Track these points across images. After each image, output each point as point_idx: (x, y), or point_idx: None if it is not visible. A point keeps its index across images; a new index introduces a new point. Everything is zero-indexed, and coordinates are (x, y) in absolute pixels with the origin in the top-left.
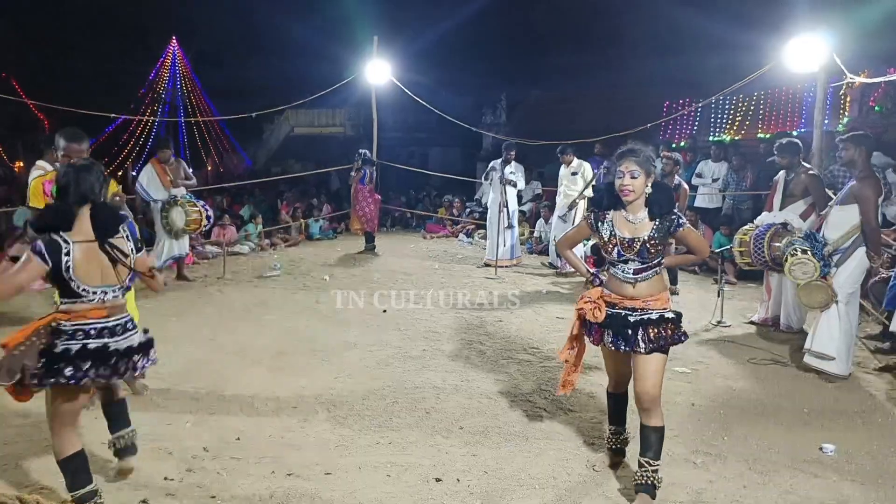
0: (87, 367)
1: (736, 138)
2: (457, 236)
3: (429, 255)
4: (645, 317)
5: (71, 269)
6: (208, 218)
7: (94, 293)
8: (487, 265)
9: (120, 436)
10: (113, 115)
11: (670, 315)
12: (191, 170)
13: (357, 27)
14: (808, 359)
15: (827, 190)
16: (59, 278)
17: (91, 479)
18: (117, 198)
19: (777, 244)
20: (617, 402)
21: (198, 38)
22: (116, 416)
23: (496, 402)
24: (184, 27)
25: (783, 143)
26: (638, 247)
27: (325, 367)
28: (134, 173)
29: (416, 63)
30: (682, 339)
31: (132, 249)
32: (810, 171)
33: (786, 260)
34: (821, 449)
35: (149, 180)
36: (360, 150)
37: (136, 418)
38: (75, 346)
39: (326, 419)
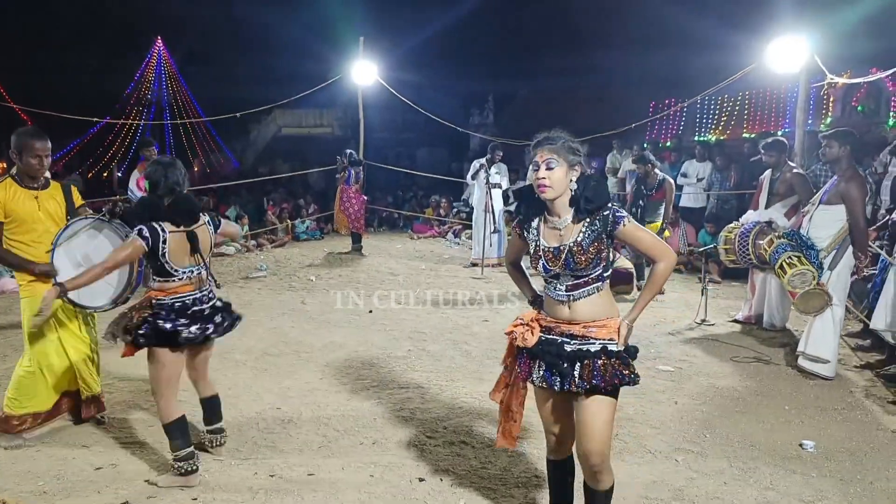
0: (182, 324)
1: (721, 138)
2: (444, 236)
3: (416, 256)
4: (585, 347)
5: (167, 254)
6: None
7: (184, 272)
8: (474, 265)
9: (214, 431)
10: (96, 119)
11: (614, 348)
12: None
13: (344, 28)
14: (802, 362)
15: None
16: (154, 259)
17: (191, 443)
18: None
19: (761, 242)
20: (558, 472)
21: (185, 37)
22: (211, 410)
23: (481, 403)
24: (170, 26)
25: (770, 141)
26: (563, 257)
27: (309, 368)
28: (119, 174)
29: (404, 63)
30: (632, 381)
31: (212, 233)
32: (795, 170)
33: (782, 269)
34: (801, 446)
35: (139, 185)
36: (346, 151)
37: (117, 420)
38: (172, 311)
39: (310, 420)
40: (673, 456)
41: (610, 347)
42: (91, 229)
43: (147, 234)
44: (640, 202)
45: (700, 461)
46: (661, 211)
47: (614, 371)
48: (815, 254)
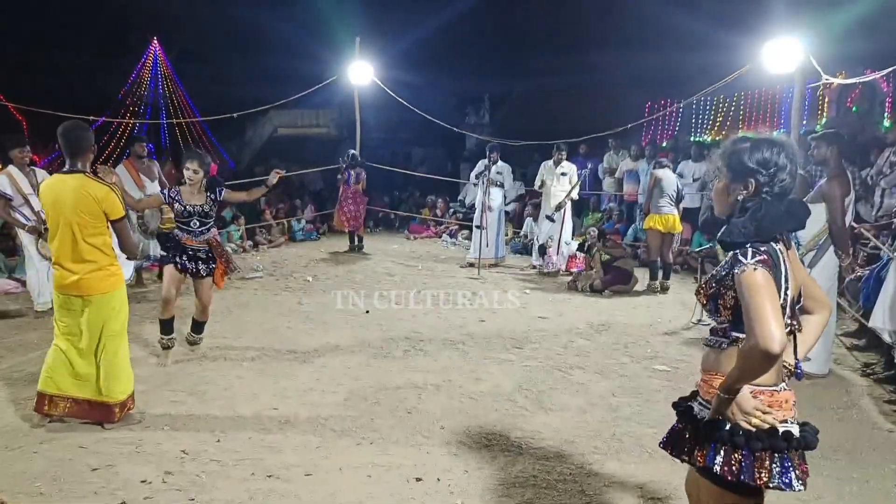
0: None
1: (717, 139)
2: (440, 237)
3: (412, 256)
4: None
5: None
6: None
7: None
8: (471, 265)
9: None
10: (92, 117)
11: (699, 412)
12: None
13: (340, 28)
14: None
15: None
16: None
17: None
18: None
19: None
20: None
21: (179, 36)
22: (197, 327)
23: (477, 402)
24: (164, 25)
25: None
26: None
27: (306, 369)
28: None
29: (399, 63)
30: (715, 477)
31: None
32: None
33: None
34: None
35: (125, 183)
36: (349, 152)
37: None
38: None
39: (307, 420)
40: (669, 455)
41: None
42: None
43: (167, 193)
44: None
45: None
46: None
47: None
48: (798, 252)
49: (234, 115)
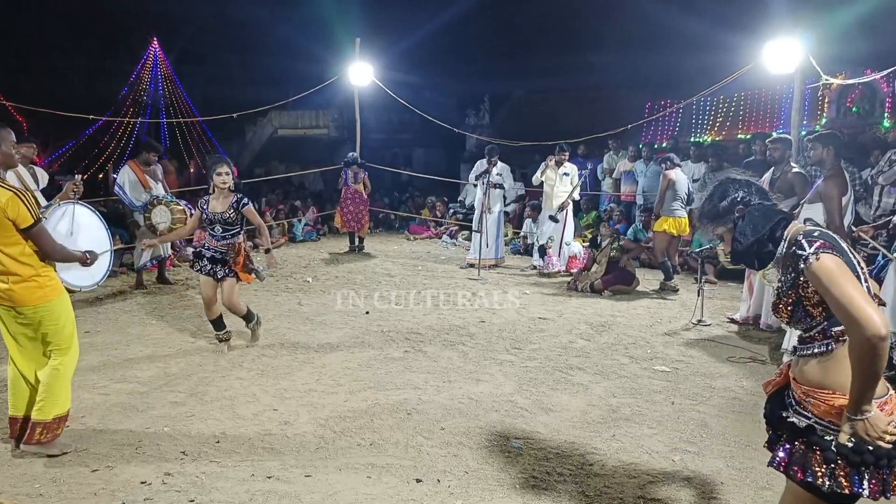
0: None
1: (717, 139)
2: (440, 237)
3: (412, 256)
4: (794, 419)
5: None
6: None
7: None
8: (471, 266)
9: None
10: (92, 117)
11: (824, 435)
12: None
13: (340, 29)
14: (787, 358)
15: None
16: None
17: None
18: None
19: None
20: None
21: (179, 37)
22: (243, 319)
23: (478, 403)
24: (164, 26)
25: (776, 137)
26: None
27: (306, 370)
28: (115, 175)
29: (400, 64)
30: (816, 489)
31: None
32: (796, 170)
33: None
34: None
35: (131, 184)
36: (350, 153)
37: (114, 422)
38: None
39: (307, 421)
40: (670, 456)
41: (819, 431)
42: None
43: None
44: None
45: (697, 461)
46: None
47: (805, 461)
48: None
49: (234, 115)
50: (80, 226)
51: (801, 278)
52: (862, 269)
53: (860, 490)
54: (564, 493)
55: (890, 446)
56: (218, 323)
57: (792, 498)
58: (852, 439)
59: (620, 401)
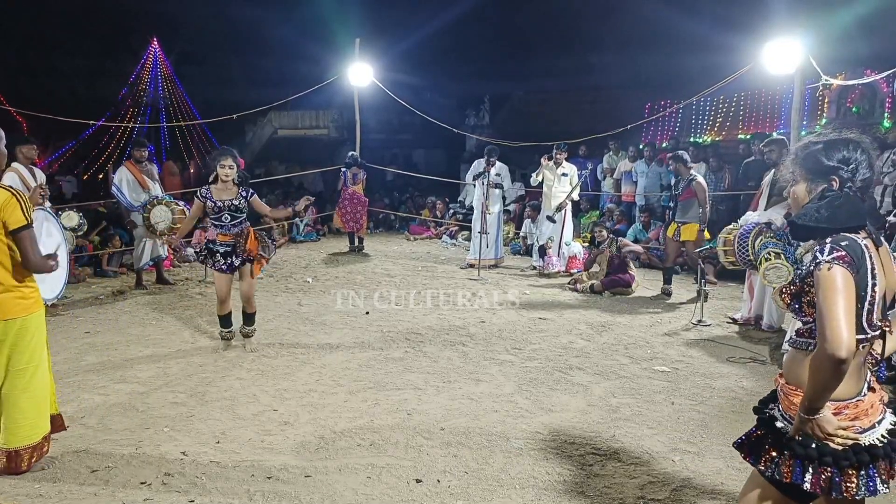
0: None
1: (717, 139)
2: (440, 238)
3: (412, 257)
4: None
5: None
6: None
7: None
8: (471, 266)
9: (246, 329)
10: (91, 121)
11: (781, 426)
12: (162, 173)
13: (340, 29)
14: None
15: None
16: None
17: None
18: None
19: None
20: None
21: (179, 38)
22: (248, 318)
23: (477, 403)
24: (164, 27)
25: (771, 139)
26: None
27: (306, 370)
28: (114, 175)
29: (399, 65)
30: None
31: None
32: None
33: (760, 264)
34: None
35: (129, 184)
36: (350, 153)
37: (114, 422)
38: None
39: (307, 421)
40: (670, 456)
41: (778, 424)
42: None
43: (201, 193)
44: (671, 203)
45: (697, 461)
46: (692, 212)
47: (759, 447)
48: (793, 249)
49: (235, 116)
50: (44, 232)
51: (811, 277)
52: (874, 292)
53: (800, 481)
54: (564, 493)
55: (838, 447)
56: (225, 320)
57: (751, 483)
58: (799, 436)
59: (620, 401)
